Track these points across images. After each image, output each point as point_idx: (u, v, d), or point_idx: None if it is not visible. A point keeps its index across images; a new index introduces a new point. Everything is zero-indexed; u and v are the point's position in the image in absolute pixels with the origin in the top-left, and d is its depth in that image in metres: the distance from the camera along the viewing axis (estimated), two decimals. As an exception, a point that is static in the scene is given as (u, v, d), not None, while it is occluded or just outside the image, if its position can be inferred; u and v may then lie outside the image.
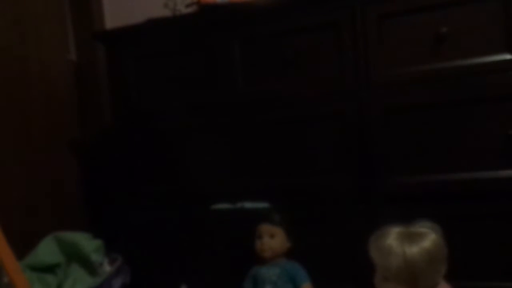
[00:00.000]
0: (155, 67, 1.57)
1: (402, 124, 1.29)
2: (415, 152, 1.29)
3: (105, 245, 1.51)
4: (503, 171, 1.20)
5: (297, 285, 1.28)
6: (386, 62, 1.29)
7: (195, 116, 1.52)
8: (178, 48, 1.53)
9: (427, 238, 0.98)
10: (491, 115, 1.21)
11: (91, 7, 1.95)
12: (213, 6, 1.48)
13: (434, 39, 1.24)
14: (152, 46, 1.57)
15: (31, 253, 1.45)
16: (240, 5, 1.44)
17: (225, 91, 1.47)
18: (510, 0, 1.18)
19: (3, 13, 1.61)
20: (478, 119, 1.22)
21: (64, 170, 1.84)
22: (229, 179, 1.49)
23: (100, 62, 1.87)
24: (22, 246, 1.30)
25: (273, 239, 1.31)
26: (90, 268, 1.44)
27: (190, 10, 1.60)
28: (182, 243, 1.55)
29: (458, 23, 1.22)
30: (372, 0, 1.29)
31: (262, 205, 1.42)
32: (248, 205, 1.44)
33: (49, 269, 1.45)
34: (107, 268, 1.46)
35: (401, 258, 0.95)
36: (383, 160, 1.31)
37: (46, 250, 1.46)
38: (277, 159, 1.43)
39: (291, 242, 1.33)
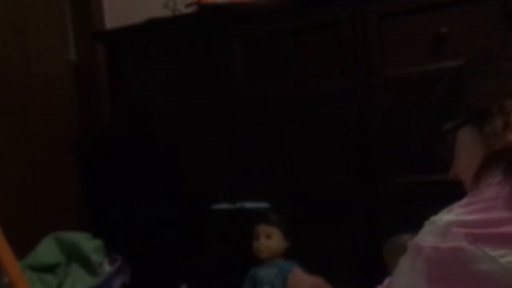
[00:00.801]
0: (155, 67, 1.57)
1: (402, 124, 1.29)
2: (415, 152, 1.29)
3: (105, 245, 1.51)
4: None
5: None
6: (386, 62, 1.29)
7: (195, 116, 1.52)
8: (178, 48, 1.53)
9: None
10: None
11: (91, 7, 1.95)
12: (213, 6, 1.48)
13: (434, 39, 1.24)
14: (152, 46, 1.57)
15: (31, 253, 1.45)
16: (240, 5, 1.44)
17: (225, 91, 1.47)
18: (510, 0, 1.18)
19: (3, 13, 1.61)
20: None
21: (64, 170, 1.84)
22: (229, 179, 1.49)
23: (100, 62, 1.87)
24: (22, 246, 1.29)
25: (270, 239, 1.31)
26: (90, 268, 1.44)
27: (190, 10, 1.60)
28: (182, 243, 1.55)
29: (458, 23, 1.22)
30: (372, 0, 1.29)
31: (262, 205, 1.42)
32: (248, 205, 1.44)
33: (49, 269, 1.45)
34: (107, 268, 1.46)
35: None
36: (383, 160, 1.31)
37: (46, 250, 1.46)
38: (277, 159, 1.43)
39: (289, 242, 1.33)
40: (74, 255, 1.45)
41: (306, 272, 1.16)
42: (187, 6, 1.62)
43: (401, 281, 0.61)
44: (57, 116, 1.82)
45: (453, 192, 1.29)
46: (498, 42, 0.67)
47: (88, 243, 1.46)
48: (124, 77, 1.60)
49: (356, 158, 1.34)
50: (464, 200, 0.61)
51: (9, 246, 1.03)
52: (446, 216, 0.59)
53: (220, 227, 1.49)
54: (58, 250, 1.47)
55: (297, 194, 1.41)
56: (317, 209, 1.38)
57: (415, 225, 1.29)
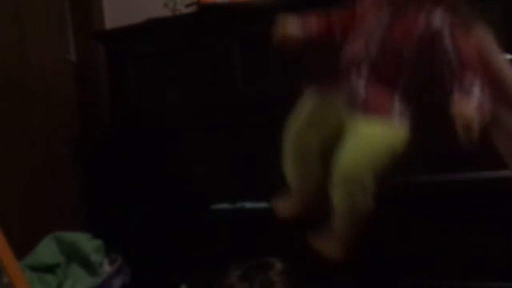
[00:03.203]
0: (155, 67, 1.57)
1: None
2: (414, 152, 1.28)
3: (105, 245, 1.51)
4: (503, 171, 1.20)
5: None
6: None
7: (195, 116, 1.52)
8: (178, 48, 1.53)
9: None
10: (491, 115, 1.21)
11: (91, 7, 1.95)
12: (213, 6, 1.48)
13: (434, 39, 1.24)
14: (152, 46, 1.57)
15: (31, 253, 1.46)
16: (240, 5, 1.44)
17: (225, 91, 1.47)
18: (510, 0, 1.18)
19: (3, 13, 1.61)
20: (478, 119, 1.22)
21: (64, 170, 1.84)
22: (229, 179, 1.48)
23: (100, 62, 1.87)
24: (22, 246, 1.30)
25: None
26: (90, 268, 1.44)
27: (190, 10, 1.60)
28: (182, 243, 1.55)
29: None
30: (372, 0, 1.29)
31: (262, 205, 1.42)
32: (248, 205, 1.44)
33: (49, 269, 1.45)
34: (107, 268, 1.46)
35: None
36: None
37: (46, 250, 1.46)
38: (277, 159, 1.43)
39: None
40: (74, 255, 1.46)
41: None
42: (187, 6, 1.62)
43: None
44: (57, 116, 1.82)
45: (453, 192, 1.29)
46: None
47: (88, 243, 1.47)
48: (124, 77, 1.60)
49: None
50: None
51: (9, 246, 1.03)
52: None
53: (220, 227, 1.48)
54: (58, 250, 1.47)
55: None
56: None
57: (415, 225, 1.30)
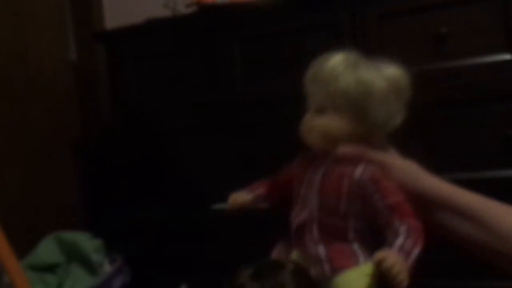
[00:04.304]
0: (155, 67, 1.57)
1: (401, 124, 1.29)
2: (415, 152, 1.29)
3: (105, 245, 1.51)
4: (503, 171, 1.20)
5: None
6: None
7: (195, 116, 1.52)
8: (178, 48, 1.53)
9: (388, 67, 0.82)
10: (491, 115, 1.21)
11: (91, 7, 1.95)
12: (213, 6, 1.48)
13: (434, 39, 1.24)
14: (152, 46, 1.57)
15: (31, 253, 1.46)
16: (240, 5, 1.44)
17: (225, 91, 1.47)
18: (510, 0, 1.18)
19: (3, 13, 1.61)
20: (477, 119, 1.22)
21: (64, 170, 1.84)
22: (229, 179, 1.48)
23: (100, 62, 1.87)
24: (22, 246, 1.30)
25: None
26: (90, 268, 1.44)
27: (190, 10, 1.60)
28: (182, 243, 1.55)
29: (458, 23, 1.22)
30: (372, 0, 1.29)
31: (262, 205, 1.42)
32: (248, 205, 1.44)
33: (49, 269, 1.45)
34: (107, 268, 1.46)
35: (352, 77, 0.76)
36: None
37: (46, 250, 1.47)
38: (277, 159, 1.43)
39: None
40: (74, 255, 1.46)
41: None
42: (187, 6, 1.62)
43: None
44: (57, 116, 1.82)
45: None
46: None
47: (88, 243, 1.47)
48: (124, 77, 1.60)
49: (356, 158, 1.33)
50: None
51: (9, 246, 1.03)
52: None
53: (220, 227, 1.48)
54: (58, 250, 1.48)
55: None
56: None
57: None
